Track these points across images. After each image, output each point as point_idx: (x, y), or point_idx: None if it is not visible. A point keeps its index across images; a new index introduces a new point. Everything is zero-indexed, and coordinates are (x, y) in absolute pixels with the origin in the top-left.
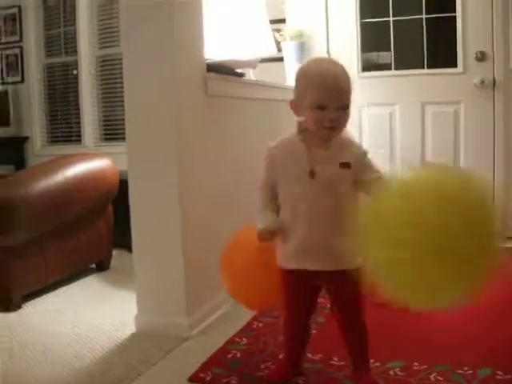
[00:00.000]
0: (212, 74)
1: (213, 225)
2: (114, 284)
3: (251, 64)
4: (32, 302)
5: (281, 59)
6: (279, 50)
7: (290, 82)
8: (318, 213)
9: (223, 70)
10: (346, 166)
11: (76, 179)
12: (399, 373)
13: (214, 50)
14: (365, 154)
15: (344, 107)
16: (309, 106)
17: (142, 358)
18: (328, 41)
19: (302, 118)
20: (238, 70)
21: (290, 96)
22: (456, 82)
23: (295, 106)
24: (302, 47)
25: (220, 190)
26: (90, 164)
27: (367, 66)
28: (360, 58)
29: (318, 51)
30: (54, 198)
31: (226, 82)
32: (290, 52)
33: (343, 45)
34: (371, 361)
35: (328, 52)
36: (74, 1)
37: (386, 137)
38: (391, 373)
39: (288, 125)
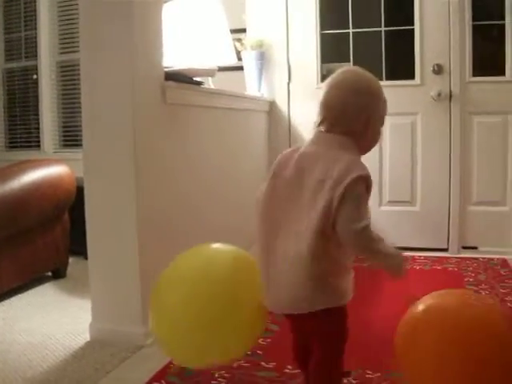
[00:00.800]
0: (170, 83)
1: (170, 233)
2: (69, 292)
3: (210, 73)
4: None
5: (241, 68)
6: (239, 59)
7: (250, 91)
8: None
9: (182, 79)
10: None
11: (33, 185)
12: (353, 381)
13: (173, 59)
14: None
15: None
16: (382, 123)
17: (96, 366)
18: (288, 51)
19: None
20: (197, 79)
21: (250, 105)
22: (413, 94)
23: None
24: (262, 57)
25: (178, 198)
26: (47, 170)
27: (327, 76)
28: (319, 68)
29: (278, 61)
30: (9, 205)
31: (185, 91)
32: (250, 61)
33: (303, 55)
34: None
35: (288, 62)
36: (34, 5)
37: None
38: (345, 381)
39: (248, 134)
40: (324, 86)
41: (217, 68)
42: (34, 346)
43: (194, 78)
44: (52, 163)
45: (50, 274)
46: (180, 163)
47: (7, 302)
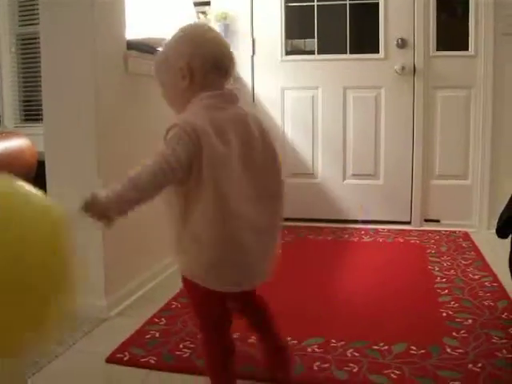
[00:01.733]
0: (132, 52)
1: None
2: None
3: None
4: None
5: None
6: None
7: None
8: None
9: (144, 48)
10: None
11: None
12: (317, 350)
13: (136, 30)
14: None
15: (160, 84)
16: None
17: (59, 339)
18: (252, 23)
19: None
20: (160, 49)
21: None
22: (377, 68)
23: None
24: (227, 29)
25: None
26: (6, 143)
27: (294, 51)
28: (284, 41)
29: (243, 33)
30: None
31: (147, 61)
32: None
33: (267, 28)
34: (288, 338)
35: (252, 35)
36: None
37: (308, 120)
38: (309, 350)
39: None
40: (210, 37)
41: None
42: None
43: (157, 48)
44: (12, 136)
45: None
46: (142, 133)
47: None
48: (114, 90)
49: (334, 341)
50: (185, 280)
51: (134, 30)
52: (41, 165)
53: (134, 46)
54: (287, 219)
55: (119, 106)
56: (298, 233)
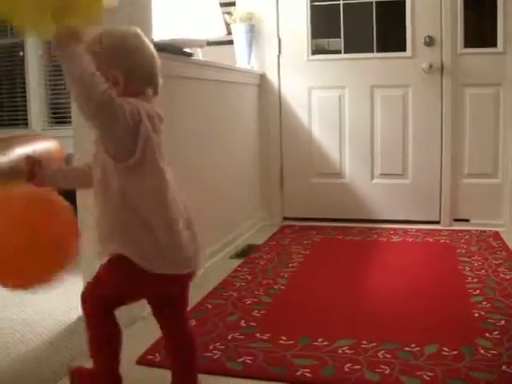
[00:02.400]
0: (159, 53)
1: None
2: None
3: (199, 43)
4: None
5: (230, 42)
6: (229, 32)
7: (240, 64)
8: None
9: (170, 49)
10: None
11: (21, 161)
12: (347, 351)
13: (162, 32)
14: None
15: None
16: None
17: None
18: (278, 23)
19: None
20: (187, 50)
21: (241, 78)
22: (405, 66)
23: None
24: (252, 29)
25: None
26: (35, 146)
27: (318, 50)
28: (310, 41)
29: (268, 34)
30: None
31: (174, 62)
32: (239, 34)
33: (293, 28)
34: (320, 339)
35: (278, 35)
36: None
37: (335, 119)
38: (339, 351)
39: (238, 107)
40: (146, 48)
41: (206, 39)
42: (26, 322)
43: (184, 49)
44: (40, 138)
45: None
46: (168, 135)
47: None
48: None
49: (364, 342)
50: (119, 259)
51: (161, 32)
52: None
53: (160, 47)
54: (315, 219)
55: None
56: (325, 233)
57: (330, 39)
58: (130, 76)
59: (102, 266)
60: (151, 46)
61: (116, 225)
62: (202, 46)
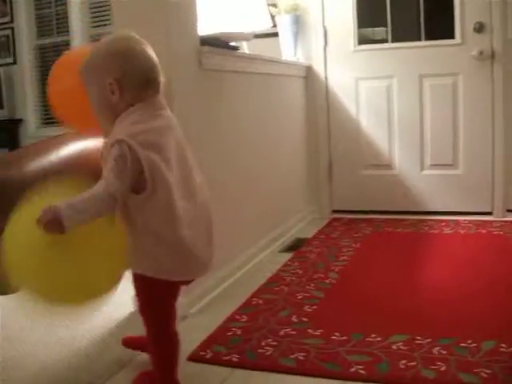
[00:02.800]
0: (206, 48)
1: (211, 201)
2: None
3: (245, 37)
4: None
5: (276, 35)
6: (274, 24)
7: (286, 56)
8: None
9: (217, 43)
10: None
11: (71, 159)
12: (402, 347)
13: (208, 25)
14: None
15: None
16: None
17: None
18: (323, 13)
19: None
20: (233, 44)
21: (287, 71)
22: (454, 54)
23: None
24: (297, 20)
25: (215, 165)
26: (85, 143)
27: (364, 40)
28: (356, 30)
29: (314, 24)
30: (50, 178)
31: (221, 56)
32: (284, 26)
33: (339, 17)
34: (373, 335)
35: (324, 25)
36: None
37: (384, 110)
38: (394, 347)
39: (285, 100)
40: (139, 51)
41: (252, 32)
42: (78, 318)
43: (230, 43)
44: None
45: None
46: (215, 129)
47: None
48: (188, 84)
49: (419, 338)
50: (143, 279)
51: (207, 25)
52: None
53: (206, 41)
54: (364, 212)
55: (192, 100)
56: (375, 226)
57: (375, 28)
58: (125, 82)
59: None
60: (145, 47)
61: (132, 247)
62: (248, 40)
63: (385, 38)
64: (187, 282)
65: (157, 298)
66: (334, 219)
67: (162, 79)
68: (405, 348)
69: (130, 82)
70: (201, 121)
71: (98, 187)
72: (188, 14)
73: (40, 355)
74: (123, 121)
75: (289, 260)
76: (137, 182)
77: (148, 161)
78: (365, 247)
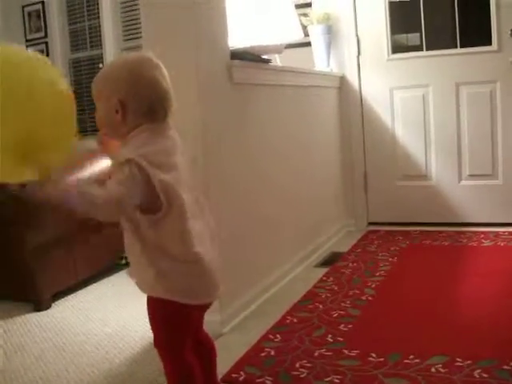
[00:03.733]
0: (236, 62)
1: (244, 218)
2: None
3: (277, 49)
4: (62, 300)
5: (307, 44)
6: (306, 34)
7: (319, 67)
8: None
9: (248, 57)
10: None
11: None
12: (441, 369)
13: (239, 38)
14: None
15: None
16: None
17: None
18: (356, 23)
19: None
20: (264, 57)
21: (320, 81)
22: (491, 61)
23: None
24: (330, 30)
25: (247, 179)
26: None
27: (396, 48)
28: (389, 39)
29: (346, 34)
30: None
31: (252, 69)
32: (317, 36)
33: (372, 26)
34: (411, 357)
35: (356, 34)
36: None
37: (420, 119)
38: (433, 370)
39: (318, 111)
40: (148, 77)
41: (284, 44)
42: (110, 337)
43: (262, 56)
44: None
45: (123, 262)
46: (247, 143)
47: (82, 292)
48: (219, 98)
49: (459, 359)
50: (162, 304)
51: (237, 38)
52: None
53: (237, 55)
54: (400, 224)
55: (225, 115)
56: (412, 238)
57: (409, 34)
58: (129, 106)
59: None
60: (158, 76)
61: (149, 271)
62: (279, 52)
63: (419, 44)
64: (201, 310)
65: (172, 325)
66: (370, 232)
67: (172, 107)
68: (444, 371)
69: (133, 107)
70: (232, 135)
71: (100, 191)
72: (218, 28)
73: (72, 376)
74: (131, 141)
75: (324, 275)
76: (150, 202)
77: (160, 180)
78: (402, 261)
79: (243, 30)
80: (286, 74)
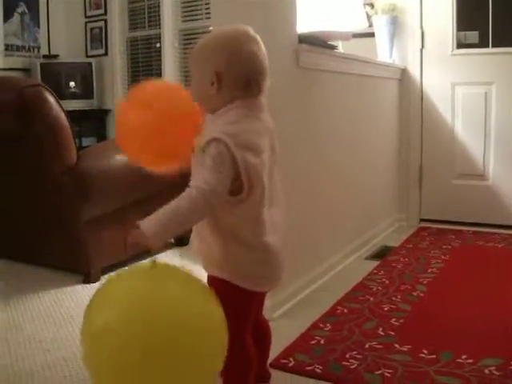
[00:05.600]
0: (304, 46)
1: (305, 204)
2: (193, 260)
3: (345, 36)
4: (111, 274)
5: (370, 35)
6: (370, 25)
7: (381, 57)
8: None
9: (315, 42)
10: (193, 151)
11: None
12: (495, 372)
13: (306, 22)
14: (202, 148)
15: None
16: None
17: None
18: (421, 15)
19: None
20: (331, 43)
21: (382, 72)
22: None
23: None
24: (394, 21)
25: (308, 162)
26: None
27: (460, 44)
28: (455, 34)
29: (411, 26)
30: (136, 169)
31: (318, 54)
32: (381, 26)
33: (438, 20)
34: (463, 356)
35: (421, 27)
36: None
37: (481, 117)
38: (486, 371)
39: (378, 102)
40: (247, 51)
41: (351, 32)
42: None
43: (328, 42)
44: None
45: (173, 241)
46: (310, 127)
47: None
48: (284, 81)
49: None
50: (226, 285)
51: (303, 23)
52: None
53: (305, 39)
54: (453, 222)
55: (288, 98)
56: (465, 238)
57: (467, 32)
58: (225, 78)
59: None
60: (256, 46)
61: (220, 252)
62: (347, 39)
63: (475, 43)
64: (262, 295)
65: (233, 308)
66: (422, 228)
67: (267, 83)
68: (498, 373)
69: (229, 79)
70: (295, 118)
71: (192, 193)
72: (287, 10)
73: None
74: (220, 117)
75: (375, 268)
76: (232, 183)
77: (245, 162)
78: (454, 260)
79: (309, 15)
80: (350, 62)
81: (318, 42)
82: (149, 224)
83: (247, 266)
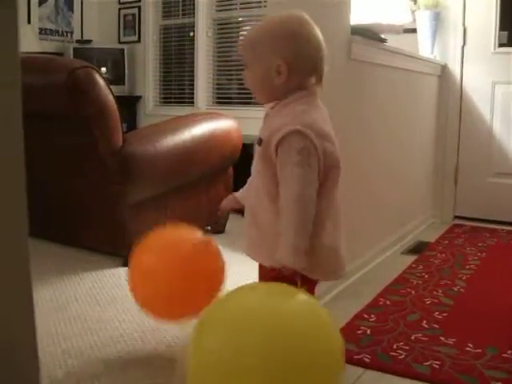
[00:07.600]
0: (357, 37)
1: (353, 194)
2: (230, 247)
3: (396, 29)
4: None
5: (411, 31)
6: (412, 20)
7: (423, 53)
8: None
9: (368, 34)
10: (259, 143)
11: (203, 138)
12: None
13: (356, 15)
14: (279, 140)
15: (245, 64)
16: None
17: None
18: (464, 12)
19: None
20: (382, 36)
21: (423, 68)
22: None
23: None
24: (437, 17)
25: (357, 153)
26: (216, 124)
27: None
28: (497, 32)
29: (454, 22)
30: (180, 156)
31: (369, 47)
32: (423, 22)
33: (480, 17)
34: (509, 351)
35: (464, 24)
36: None
37: None
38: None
39: (418, 97)
40: (313, 38)
41: (403, 25)
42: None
43: (380, 35)
44: (221, 117)
45: (209, 228)
46: (360, 119)
47: None
48: (336, 72)
49: None
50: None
51: (355, 15)
52: (245, 147)
53: (357, 31)
54: (487, 221)
55: (339, 89)
56: (501, 237)
57: (500, 32)
58: (294, 65)
59: None
60: (317, 32)
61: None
62: (398, 33)
63: (504, 43)
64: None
65: None
66: (456, 225)
67: (326, 68)
68: None
69: (298, 66)
70: (346, 108)
71: (289, 195)
72: (341, 2)
73: (167, 329)
74: (287, 107)
75: (413, 263)
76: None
77: (325, 152)
78: (491, 258)
79: (359, 7)
80: (397, 56)
81: (370, 35)
82: (285, 255)
83: (323, 255)
